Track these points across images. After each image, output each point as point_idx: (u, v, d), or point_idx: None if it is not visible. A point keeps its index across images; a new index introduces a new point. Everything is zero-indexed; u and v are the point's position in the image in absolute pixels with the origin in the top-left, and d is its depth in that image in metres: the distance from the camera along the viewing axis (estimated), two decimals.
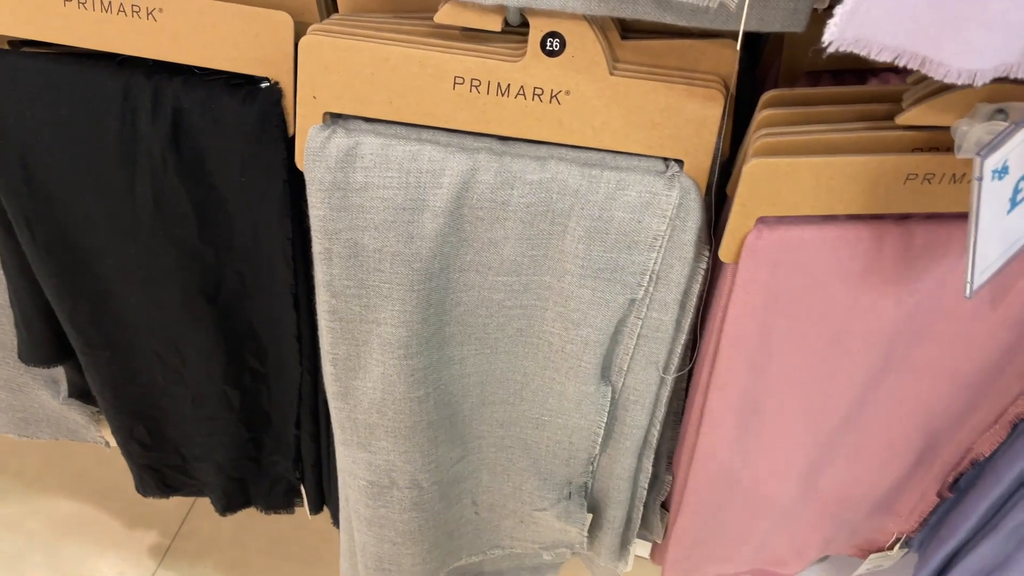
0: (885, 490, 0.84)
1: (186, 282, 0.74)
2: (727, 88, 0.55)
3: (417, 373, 0.67)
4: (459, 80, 0.56)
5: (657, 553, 0.91)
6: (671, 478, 0.83)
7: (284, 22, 0.60)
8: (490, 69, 0.55)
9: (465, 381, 0.71)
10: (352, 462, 0.75)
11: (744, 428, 0.71)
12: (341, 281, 0.62)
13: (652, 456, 0.77)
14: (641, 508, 0.83)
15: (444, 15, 0.54)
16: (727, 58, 0.55)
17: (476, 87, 0.56)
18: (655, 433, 0.74)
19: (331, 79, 0.56)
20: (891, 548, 0.95)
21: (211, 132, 0.64)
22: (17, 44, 0.68)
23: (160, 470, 0.95)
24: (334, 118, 0.58)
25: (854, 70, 0.62)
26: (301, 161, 0.59)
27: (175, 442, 0.92)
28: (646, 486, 0.80)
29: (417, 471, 0.74)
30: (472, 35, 0.57)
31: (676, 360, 0.67)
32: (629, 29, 0.57)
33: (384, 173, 0.57)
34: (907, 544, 0.94)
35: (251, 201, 0.68)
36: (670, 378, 0.69)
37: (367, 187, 0.58)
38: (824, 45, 0.39)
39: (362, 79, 0.56)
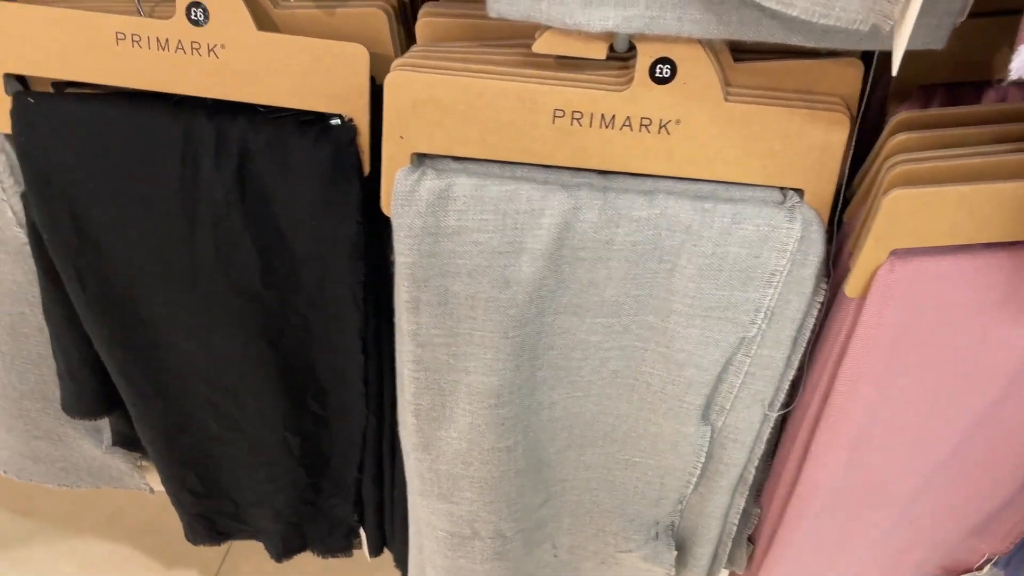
0: (985, 515, 0.80)
1: (247, 328, 0.70)
2: (850, 110, 0.51)
3: (507, 422, 0.62)
4: (559, 113, 0.51)
5: None
6: (759, 511, 0.79)
7: (359, 55, 0.56)
8: (593, 100, 0.51)
9: (554, 426, 0.66)
10: (431, 513, 0.71)
11: (851, 462, 0.67)
12: (428, 330, 0.58)
13: (746, 493, 0.73)
14: (729, 544, 0.79)
15: (544, 44, 0.49)
16: (850, 78, 0.51)
17: (578, 120, 0.52)
18: (751, 470, 0.70)
19: (420, 117, 0.52)
20: (980, 568, 0.91)
21: (280, 174, 0.59)
22: (61, 86, 0.63)
23: (212, 518, 0.91)
24: (420, 158, 0.54)
25: (971, 83, 0.58)
26: (387, 206, 0.54)
27: (228, 489, 0.87)
28: (736, 522, 0.76)
29: (501, 521, 0.70)
30: (568, 63, 0.53)
31: (782, 396, 0.63)
32: (736, 49, 0.53)
33: (479, 216, 0.53)
34: (995, 563, 0.90)
35: (320, 244, 0.63)
36: (774, 415, 0.64)
37: (460, 231, 0.53)
38: (1011, 77, 0.35)
39: (454, 116, 0.52)
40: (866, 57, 0.55)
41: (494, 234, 0.53)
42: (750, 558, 0.83)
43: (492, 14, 0.48)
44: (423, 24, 0.55)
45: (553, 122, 0.52)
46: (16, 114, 0.60)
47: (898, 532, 0.80)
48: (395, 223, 0.54)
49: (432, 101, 0.51)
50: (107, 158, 0.60)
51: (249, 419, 0.78)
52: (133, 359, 0.74)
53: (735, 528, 0.77)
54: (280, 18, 0.57)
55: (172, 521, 1.24)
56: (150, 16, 0.58)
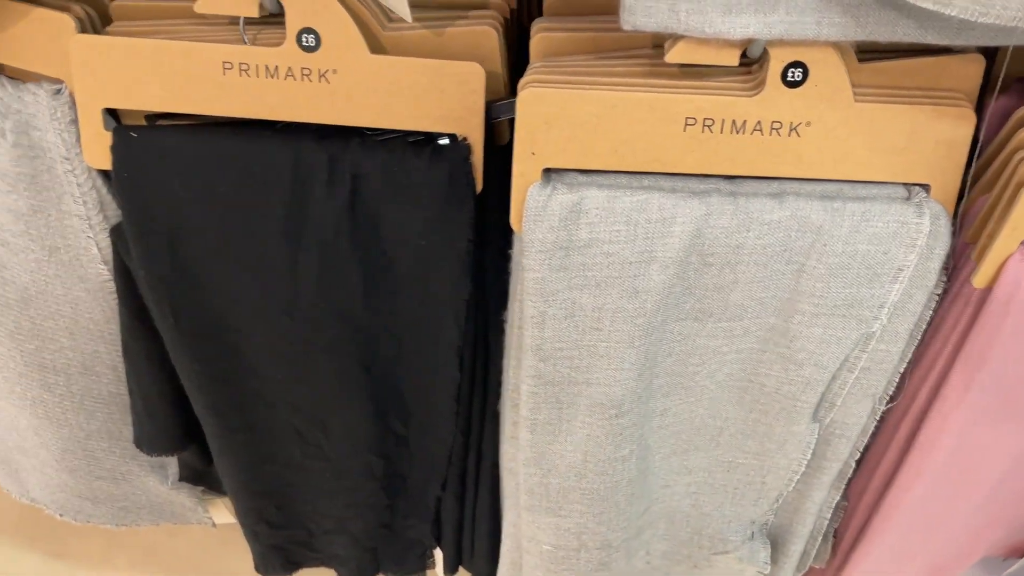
0: None
1: (342, 354, 0.69)
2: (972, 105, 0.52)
3: (625, 432, 0.63)
4: (691, 121, 0.52)
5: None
6: (846, 503, 0.80)
7: (475, 73, 0.56)
8: (724, 106, 0.51)
9: (663, 432, 0.66)
10: (537, 528, 0.70)
11: (957, 448, 0.68)
12: (552, 344, 0.58)
13: (842, 487, 0.74)
14: (819, 540, 0.79)
15: (679, 53, 0.50)
16: (972, 73, 0.52)
17: (709, 126, 0.52)
18: (851, 464, 0.71)
19: (553, 132, 0.52)
20: None
21: (393, 196, 0.59)
22: (152, 119, 0.62)
23: (286, 548, 0.90)
24: (547, 172, 0.54)
25: None
26: (517, 222, 0.54)
27: (305, 518, 0.86)
28: (828, 517, 0.77)
29: (610, 531, 0.70)
30: (692, 71, 0.53)
31: (891, 390, 0.64)
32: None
33: (611, 227, 0.53)
34: None
35: (427, 264, 0.63)
36: (882, 408, 0.65)
37: (591, 243, 0.54)
38: None
39: (586, 130, 0.52)
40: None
41: (625, 244, 0.54)
42: (833, 551, 0.84)
43: (626, 27, 0.49)
44: (539, 39, 0.55)
45: (684, 130, 0.52)
46: (117, 149, 0.59)
47: (981, 513, 0.81)
48: (526, 239, 0.54)
49: (565, 116, 0.51)
50: (211, 189, 0.60)
51: (334, 445, 0.78)
52: (222, 392, 0.73)
53: (826, 524, 0.77)
54: (388, 40, 0.57)
55: (206, 557, 1.23)
56: (252, 44, 0.58)
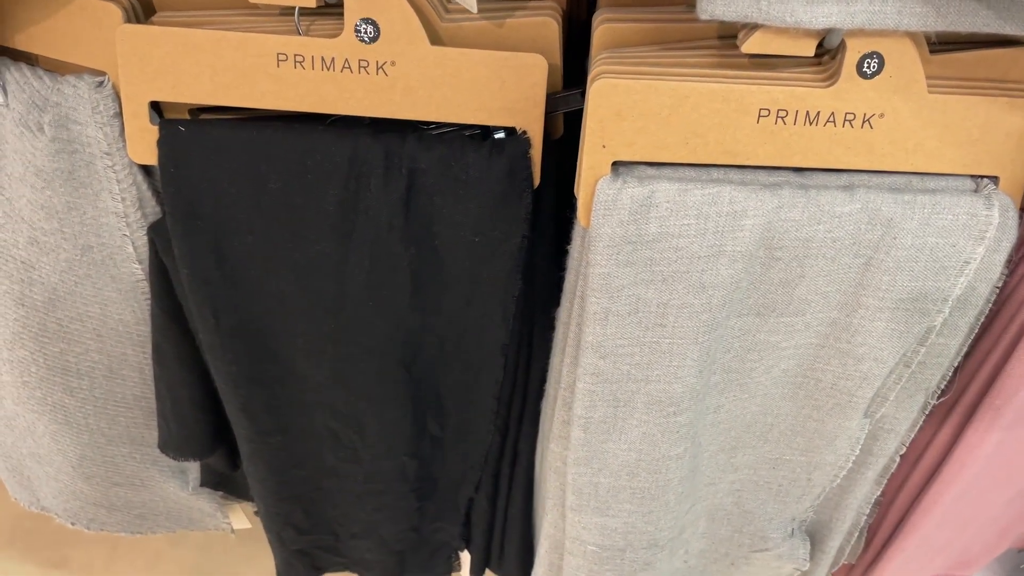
0: None
1: (385, 354, 0.68)
2: None
3: (682, 430, 0.62)
4: (764, 112, 0.51)
5: (843, 572, 0.87)
6: (881, 498, 0.79)
7: (537, 65, 0.55)
8: (799, 97, 0.51)
9: (714, 430, 0.66)
10: (583, 528, 0.69)
11: (1001, 443, 0.68)
12: (614, 340, 0.57)
13: (884, 483, 0.73)
14: (855, 535, 0.79)
15: (756, 43, 0.49)
16: None
17: (782, 118, 0.51)
18: (896, 459, 0.70)
19: (624, 124, 0.51)
20: None
21: (449, 191, 0.58)
22: (195, 113, 0.60)
23: (311, 553, 0.88)
24: (615, 166, 0.53)
25: None
26: (585, 217, 0.53)
27: (332, 522, 0.85)
28: (866, 512, 0.77)
29: (658, 531, 0.69)
30: (762, 62, 0.52)
31: (944, 384, 0.64)
32: None
33: (681, 221, 0.52)
34: None
35: (479, 260, 0.62)
36: (934, 403, 0.65)
37: (660, 238, 0.53)
38: None
39: (658, 122, 0.51)
40: None
41: (695, 239, 0.53)
42: (865, 546, 0.84)
43: (704, 16, 0.48)
44: (604, 30, 0.54)
45: (758, 122, 0.51)
46: (164, 143, 0.57)
47: (1012, 507, 0.82)
48: (594, 233, 0.53)
49: (636, 107, 0.50)
50: (262, 185, 0.58)
51: (369, 447, 0.76)
52: (258, 394, 0.71)
53: (864, 518, 0.77)
54: (446, 31, 0.56)
55: (209, 565, 1.20)
56: (306, 35, 0.56)
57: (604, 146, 0.51)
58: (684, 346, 0.57)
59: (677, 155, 0.52)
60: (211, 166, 0.57)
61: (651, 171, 0.53)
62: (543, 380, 0.72)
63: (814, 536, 0.79)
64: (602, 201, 0.52)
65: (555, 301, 0.66)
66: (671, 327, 0.56)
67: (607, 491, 0.66)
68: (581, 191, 0.53)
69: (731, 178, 0.53)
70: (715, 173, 0.53)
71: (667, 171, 0.53)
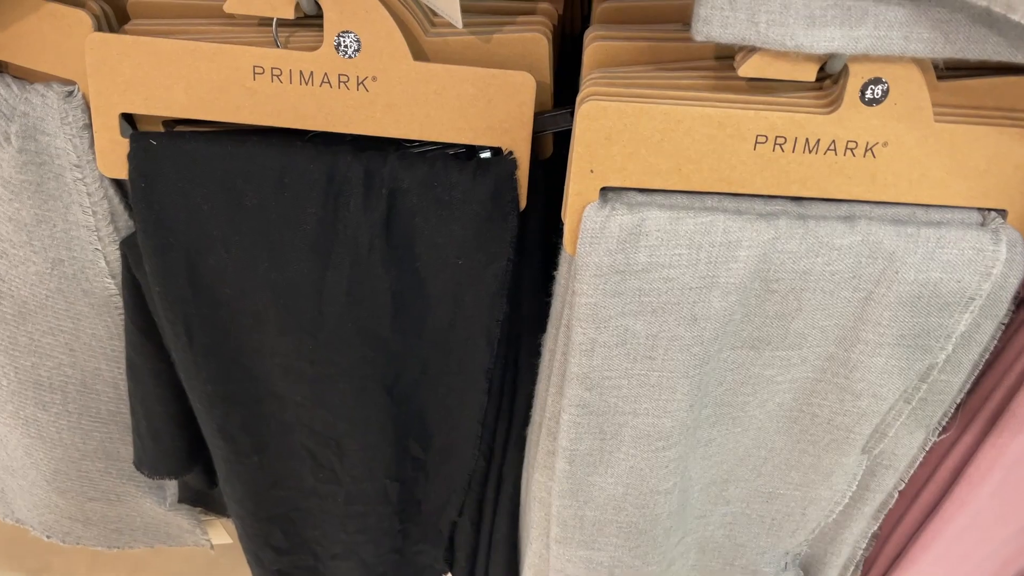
0: None
1: (364, 375, 0.65)
2: None
3: (671, 464, 0.59)
4: (762, 139, 0.49)
5: None
6: (878, 531, 0.77)
7: (525, 84, 0.52)
8: (798, 124, 0.48)
9: (705, 463, 0.63)
10: (567, 560, 0.67)
11: (1004, 481, 0.65)
12: (601, 372, 0.54)
13: (881, 518, 0.71)
14: (850, 569, 0.77)
15: (753, 67, 0.46)
16: None
17: (780, 145, 0.49)
18: (895, 495, 0.68)
19: (614, 149, 0.48)
20: None
21: (432, 212, 0.55)
22: (170, 125, 0.58)
23: (290, 574, 0.85)
24: (603, 192, 0.50)
25: None
26: (571, 244, 0.51)
27: (312, 543, 0.82)
28: (863, 547, 0.74)
29: (644, 565, 0.66)
30: (760, 86, 0.50)
31: (945, 421, 0.61)
32: None
33: (672, 251, 0.50)
34: None
35: (463, 283, 0.59)
36: (935, 440, 0.62)
37: (650, 268, 0.50)
38: None
39: (649, 146, 0.48)
40: None
41: (686, 269, 0.50)
42: None
43: (699, 37, 0.45)
44: (595, 48, 0.52)
45: (755, 148, 0.49)
46: (135, 157, 0.55)
47: (1013, 542, 0.79)
48: (580, 262, 0.50)
49: (628, 131, 0.48)
50: (237, 202, 0.56)
51: (349, 469, 0.74)
52: (234, 414, 0.68)
53: (860, 553, 0.75)
54: (431, 46, 0.53)
55: (193, 572, 1.18)
56: (284, 47, 0.54)
57: (592, 171, 0.49)
58: (674, 379, 0.54)
59: (669, 182, 0.50)
60: (184, 181, 0.55)
61: (641, 198, 0.50)
62: (529, 406, 0.69)
63: (808, 570, 0.76)
64: (589, 228, 0.49)
65: (541, 326, 0.64)
66: (661, 360, 0.53)
67: (593, 524, 0.64)
68: (568, 217, 0.50)
69: (725, 206, 0.50)
70: (709, 201, 0.51)
71: (658, 198, 0.50)
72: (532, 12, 0.56)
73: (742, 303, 0.52)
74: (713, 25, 0.45)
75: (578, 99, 0.49)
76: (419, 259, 0.58)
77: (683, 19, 0.54)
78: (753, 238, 0.50)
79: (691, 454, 0.61)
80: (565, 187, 0.52)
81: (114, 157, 0.56)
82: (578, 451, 0.59)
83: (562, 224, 0.60)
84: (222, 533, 0.96)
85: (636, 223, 0.49)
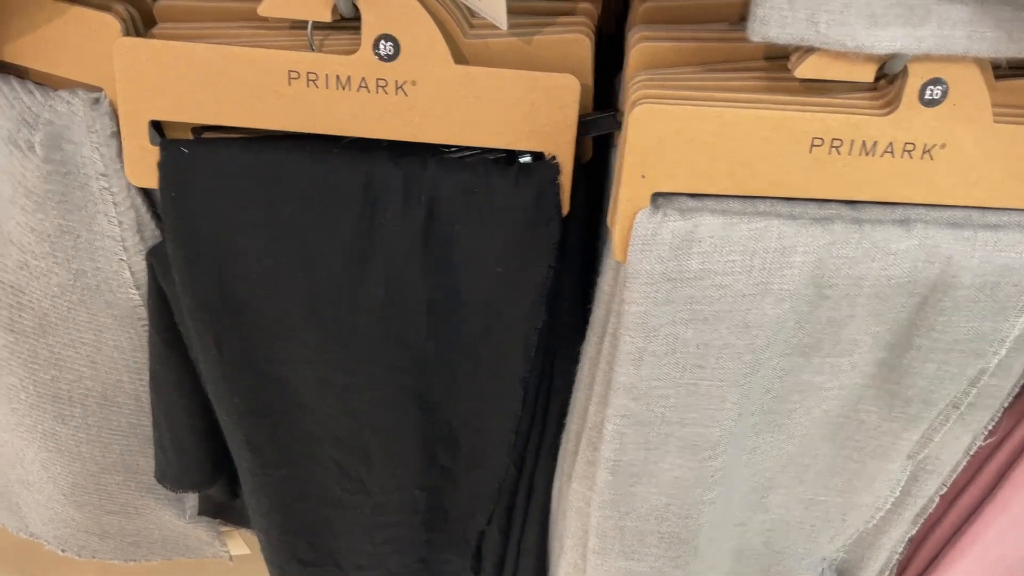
0: None
1: (396, 384, 0.64)
2: None
3: (716, 474, 0.58)
4: (817, 141, 0.47)
5: None
6: (912, 534, 0.76)
7: (570, 87, 0.51)
8: (855, 126, 0.47)
9: (748, 471, 0.62)
10: (605, 572, 0.66)
11: None
12: (648, 382, 0.53)
13: (920, 522, 0.70)
14: (885, 574, 0.76)
15: (810, 68, 0.45)
16: None
17: (836, 148, 0.47)
18: (935, 500, 0.67)
19: (666, 153, 0.47)
20: None
21: (472, 219, 0.54)
22: (198, 131, 0.56)
23: None
24: (654, 198, 0.49)
25: None
26: (621, 252, 0.49)
27: (337, 554, 0.81)
28: (900, 551, 0.73)
29: (684, 575, 0.65)
30: (814, 87, 0.48)
31: (992, 425, 0.60)
32: None
33: (725, 257, 0.48)
34: None
35: (499, 291, 0.58)
36: (980, 444, 0.61)
37: (702, 275, 0.49)
38: None
39: (702, 151, 0.47)
40: None
41: (740, 276, 0.49)
42: None
43: (756, 37, 0.44)
44: (641, 49, 0.50)
45: (810, 151, 0.47)
46: (166, 166, 0.53)
47: None
48: (631, 270, 0.49)
49: (680, 135, 0.46)
50: (270, 210, 0.54)
51: (377, 479, 0.72)
52: (262, 426, 0.67)
53: (896, 557, 0.74)
54: (470, 48, 0.52)
55: None
56: (319, 51, 0.52)
57: (643, 176, 0.47)
58: (724, 388, 0.53)
59: (721, 186, 0.48)
60: (216, 190, 0.53)
61: (692, 203, 0.49)
62: (563, 414, 0.68)
63: (844, 575, 0.75)
64: (641, 235, 0.48)
65: (580, 333, 0.63)
66: (711, 368, 0.52)
67: (633, 535, 0.62)
68: (617, 224, 0.49)
69: (779, 211, 0.49)
70: (761, 206, 0.49)
71: (710, 203, 0.49)
72: (572, 12, 0.54)
73: (795, 309, 0.51)
74: (771, 25, 0.43)
75: (628, 102, 0.48)
76: (457, 267, 0.57)
77: (727, 18, 0.53)
78: (808, 243, 0.48)
79: (734, 463, 0.60)
80: (613, 192, 0.50)
81: (143, 165, 0.54)
82: (621, 462, 0.58)
83: (600, 229, 0.59)
84: (240, 544, 0.95)
85: (689, 229, 0.48)
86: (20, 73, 0.56)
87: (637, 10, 0.54)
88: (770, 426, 0.59)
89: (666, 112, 0.46)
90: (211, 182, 0.53)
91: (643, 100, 0.46)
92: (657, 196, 0.49)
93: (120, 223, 0.58)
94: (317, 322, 0.59)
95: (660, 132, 0.47)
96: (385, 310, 0.58)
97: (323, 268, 0.56)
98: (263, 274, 0.57)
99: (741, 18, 0.53)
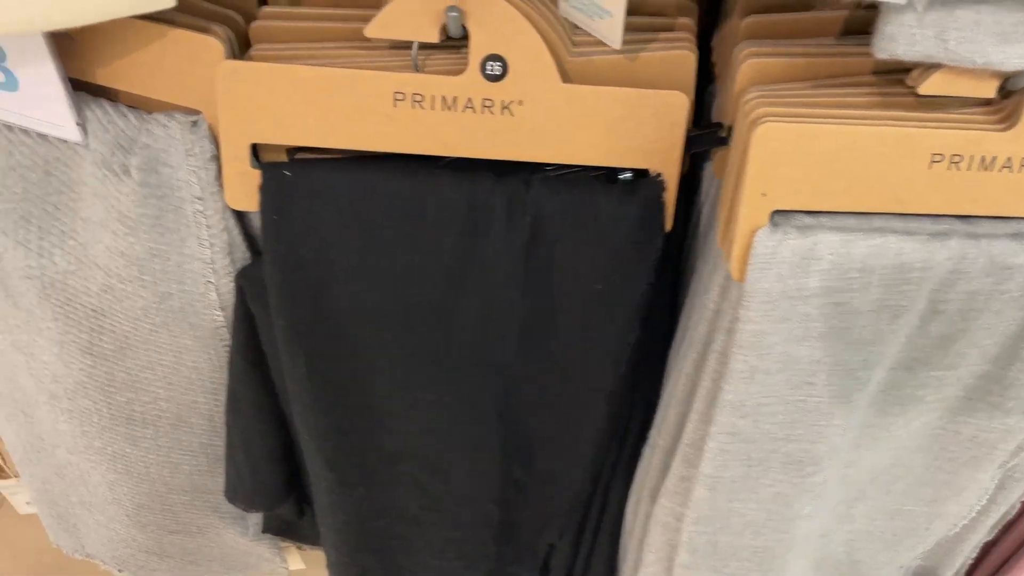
0: None
1: (483, 402, 0.64)
2: None
3: (816, 489, 0.58)
4: (937, 157, 0.47)
5: None
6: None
7: (679, 104, 0.50)
8: (974, 141, 0.47)
9: (841, 484, 0.62)
10: None
11: None
12: (756, 399, 0.53)
13: (998, 528, 0.70)
14: None
15: (935, 84, 0.45)
16: None
17: (956, 163, 0.47)
18: (1017, 506, 0.67)
19: (787, 171, 0.47)
20: None
21: (576, 238, 0.53)
22: (290, 153, 0.56)
23: None
24: (772, 215, 0.49)
25: None
26: (739, 271, 0.49)
27: (405, 570, 0.81)
28: (974, 556, 0.73)
29: None
30: (928, 102, 0.48)
31: None
32: None
33: (844, 275, 0.48)
34: None
35: (596, 308, 0.58)
36: None
37: (821, 293, 0.48)
38: None
39: (822, 168, 0.47)
40: None
41: (857, 293, 0.49)
42: None
43: (883, 55, 0.44)
44: (750, 65, 0.50)
45: (930, 167, 0.47)
46: (268, 189, 0.52)
47: None
48: (749, 289, 0.48)
49: (802, 153, 0.46)
50: (372, 232, 0.53)
51: (454, 495, 0.72)
52: (344, 445, 0.66)
53: (969, 562, 0.74)
54: (573, 67, 0.51)
55: None
56: (422, 71, 0.51)
57: (764, 194, 0.47)
58: (833, 405, 0.53)
59: (840, 203, 0.48)
60: (319, 213, 0.52)
61: (809, 220, 0.48)
62: (643, 430, 0.68)
63: None
64: (760, 254, 0.47)
65: (664, 349, 0.62)
66: (822, 385, 0.52)
67: (726, 550, 0.62)
68: (736, 243, 0.48)
69: (894, 227, 0.49)
70: (876, 221, 0.49)
71: (825, 220, 0.49)
72: (671, 28, 0.54)
73: (908, 324, 0.51)
74: (899, 43, 0.43)
75: (744, 119, 0.47)
76: (554, 284, 0.56)
77: (830, 33, 0.53)
78: (926, 259, 0.48)
79: (832, 476, 0.59)
80: (728, 211, 0.50)
81: (242, 189, 0.53)
82: (722, 478, 0.57)
83: (688, 241, 0.58)
84: (296, 559, 0.94)
85: (808, 247, 0.47)
86: (109, 96, 0.55)
87: (738, 26, 0.53)
88: (867, 439, 0.58)
89: (790, 130, 0.46)
90: (313, 205, 0.52)
91: (765, 118, 0.46)
92: (774, 214, 0.49)
93: (211, 245, 0.57)
94: (410, 342, 0.59)
95: (782, 150, 0.46)
96: (479, 330, 0.58)
97: (420, 289, 0.56)
98: (360, 296, 0.56)
99: (843, 33, 0.53)
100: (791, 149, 0.46)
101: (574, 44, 0.52)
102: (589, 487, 0.73)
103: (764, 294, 0.48)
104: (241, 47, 0.54)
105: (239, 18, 0.53)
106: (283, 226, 0.53)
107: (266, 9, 0.54)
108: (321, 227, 0.53)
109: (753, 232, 0.48)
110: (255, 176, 0.52)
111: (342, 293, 0.55)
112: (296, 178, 0.52)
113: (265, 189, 0.52)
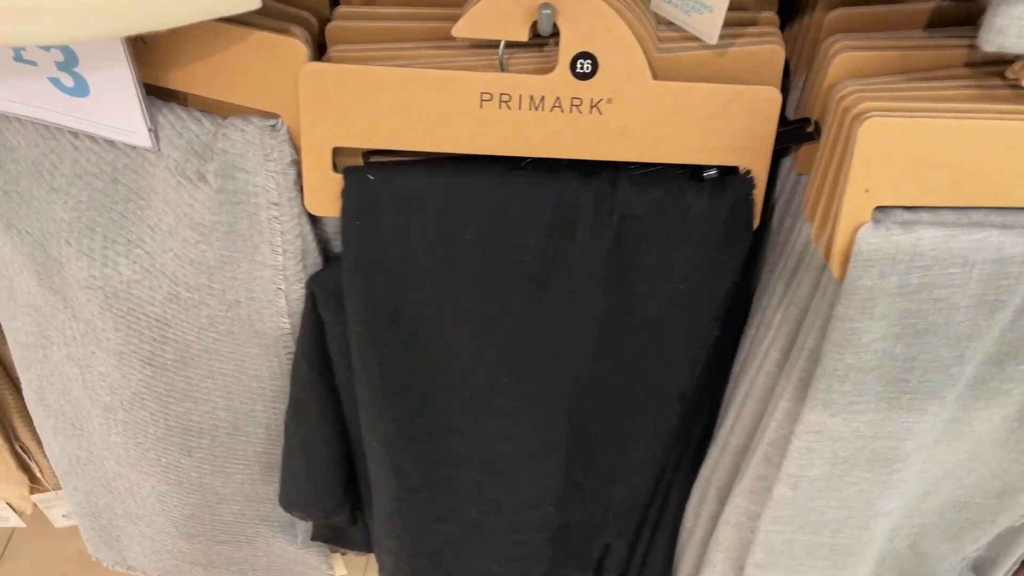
0: None
1: (551, 405, 0.63)
2: None
3: (900, 486, 0.57)
4: None
5: None
6: None
7: (771, 99, 0.50)
8: None
9: (918, 479, 0.61)
10: None
11: None
12: (848, 397, 0.52)
13: None
14: (1013, 568, 0.76)
15: None
16: None
17: None
18: None
19: (891, 166, 0.46)
20: None
21: (661, 238, 0.53)
22: (366, 156, 0.54)
23: None
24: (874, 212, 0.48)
25: None
26: (840, 268, 0.48)
27: (461, 574, 0.79)
28: None
29: None
30: (1021, 93, 0.48)
31: None
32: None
33: (945, 270, 0.47)
34: None
35: (677, 308, 0.57)
36: None
37: (921, 289, 0.48)
38: None
39: (925, 162, 0.46)
40: None
41: (957, 289, 0.48)
42: None
43: (990, 48, 0.43)
44: (843, 60, 0.49)
45: None
46: (351, 194, 0.51)
47: None
48: (849, 286, 0.48)
49: (907, 148, 0.46)
50: (455, 236, 0.52)
51: (513, 499, 0.71)
52: (410, 451, 0.65)
53: None
54: (660, 63, 0.51)
55: None
56: (507, 70, 0.50)
57: (868, 190, 0.46)
58: (926, 401, 0.52)
59: (942, 198, 0.47)
60: (402, 217, 0.51)
61: (909, 216, 0.48)
62: (708, 427, 0.67)
63: (978, 570, 0.75)
64: (863, 251, 0.47)
65: (732, 347, 0.62)
66: (915, 382, 0.51)
67: (803, 548, 0.62)
68: (837, 239, 0.48)
69: (992, 220, 0.48)
70: (975, 216, 0.48)
71: (925, 215, 0.48)
72: (754, 23, 0.53)
73: (1004, 319, 0.50)
74: (1008, 35, 0.43)
75: (845, 114, 0.47)
76: (636, 284, 0.55)
77: (916, 25, 0.52)
78: None
79: (913, 472, 0.59)
80: (825, 207, 0.49)
81: (322, 194, 0.52)
82: (805, 477, 0.57)
83: (766, 237, 0.58)
84: (341, 565, 0.93)
85: (912, 243, 0.47)
86: (179, 100, 0.54)
87: (822, 20, 0.53)
88: (948, 435, 0.58)
89: (896, 125, 0.45)
90: (396, 209, 0.51)
91: (871, 113, 0.45)
92: (874, 210, 0.48)
93: (284, 252, 0.56)
94: (487, 347, 0.58)
95: (887, 145, 0.46)
96: (558, 332, 0.57)
97: (502, 291, 0.55)
98: (437, 300, 0.55)
99: (929, 25, 0.53)
100: (897, 144, 0.46)
101: (660, 40, 0.51)
102: (651, 486, 0.72)
103: (865, 291, 0.48)
104: (313, 48, 0.53)
105: (312, 19, 0.52)
106: (365, 232, 0.52)
107: (341, 9, 0.53)
108: (405, 231, 0.52)
109: (855, 229, 0.47)
110: (336, 181, 0.51)
111: (423, 298, 0.54)
112: (380, 182, 0.51)
113: (348, 194, 0.51)
